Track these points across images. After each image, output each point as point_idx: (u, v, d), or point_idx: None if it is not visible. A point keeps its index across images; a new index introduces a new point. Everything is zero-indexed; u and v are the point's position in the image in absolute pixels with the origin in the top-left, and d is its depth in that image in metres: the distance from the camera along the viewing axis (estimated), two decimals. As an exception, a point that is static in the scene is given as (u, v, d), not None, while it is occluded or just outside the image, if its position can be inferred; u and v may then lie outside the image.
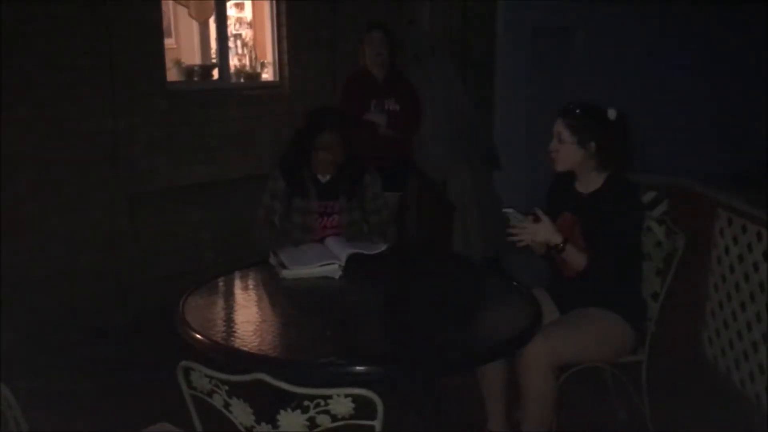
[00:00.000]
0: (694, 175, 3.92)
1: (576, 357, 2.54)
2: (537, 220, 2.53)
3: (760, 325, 3.13)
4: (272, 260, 2.76)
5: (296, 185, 3.07)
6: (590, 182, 2.62)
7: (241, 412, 1.58)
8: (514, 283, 2.62)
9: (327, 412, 1.49)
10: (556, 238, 2.49)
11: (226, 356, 2.03)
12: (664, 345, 2.85)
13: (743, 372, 3.28)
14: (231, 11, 5.29)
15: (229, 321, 2.37)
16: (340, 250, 2.72)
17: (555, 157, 2.61)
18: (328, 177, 3.10)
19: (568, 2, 6.82)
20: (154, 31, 4.38)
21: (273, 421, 1.54)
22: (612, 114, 2.55)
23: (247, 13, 5.48)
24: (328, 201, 3.08)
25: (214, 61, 5.10)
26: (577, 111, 2.56)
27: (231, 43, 5.25)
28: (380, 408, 1.49)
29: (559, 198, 2.73)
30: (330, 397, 1.48)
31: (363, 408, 1.49)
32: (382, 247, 2.88)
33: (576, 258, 2.50)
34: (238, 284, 2.74)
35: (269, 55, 5.15)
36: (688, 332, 3.74)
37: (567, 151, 2.57)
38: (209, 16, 4.90)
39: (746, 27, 8.23)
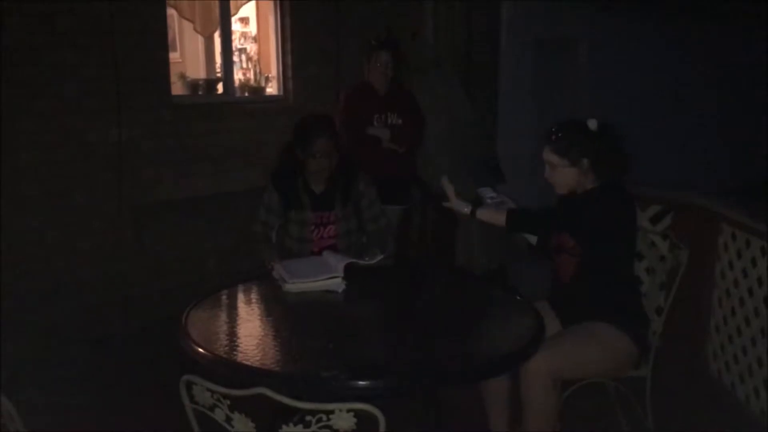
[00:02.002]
0: (697, 189, 3.92)
1: (578, 372, 2.53)
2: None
3: (764, 339, 3.12)
4: (275, 274, 2.76)
5: (291, 197, 3.08)
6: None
7: (242, 427, 1.57)
8: (518, 297, 2.62)
9: (329, 426, 1.49)
10: (463, 209, 2.59)
11: (228, 370, 2.03)
12: (668, 359, 2.84)
13: (748, 387, 3.26)
14: (236, 26, 5.33)
15: (232, 334, 2.36)
16: (337, 263, 2.72)
17: (552, 183, 2.61)
18: (322, 187, 3.11)
19: (571, 14, 6.86)
20: (159, 44, 4.41)
21: (275, 436, 1.54)
22: (593, 124, 2.53)
23: (252, 28, 5.52)
24: (324, 211, 3.09)
25: (218, 75, 5.13)
26: (559, 133, 2.55)
27: (236, 58, 5.28)
28: (382, 423, 1.49)
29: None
30: (332, 411, 1.48)
31: (365, 423, 1.49)
32: (379, 257, 2.87)
33: (492, 216, 2.56)
34: (241, 297, 2.74)
35: (273, 69, 5.18)
36: (693, 347, 3.72)
37: (562, 175, 2.56)
38: (214, 31, 4.93)
39: (750, 38, 8.26)
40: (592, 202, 2.53)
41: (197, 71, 5.32)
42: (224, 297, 2.66)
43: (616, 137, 2.57)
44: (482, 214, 2.58)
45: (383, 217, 3.26)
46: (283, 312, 2.61)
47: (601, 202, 2.53)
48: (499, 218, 2.55)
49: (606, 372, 2.64)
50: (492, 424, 2.71)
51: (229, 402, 1.56)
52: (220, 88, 4.99)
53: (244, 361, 2.05)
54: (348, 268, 2.66)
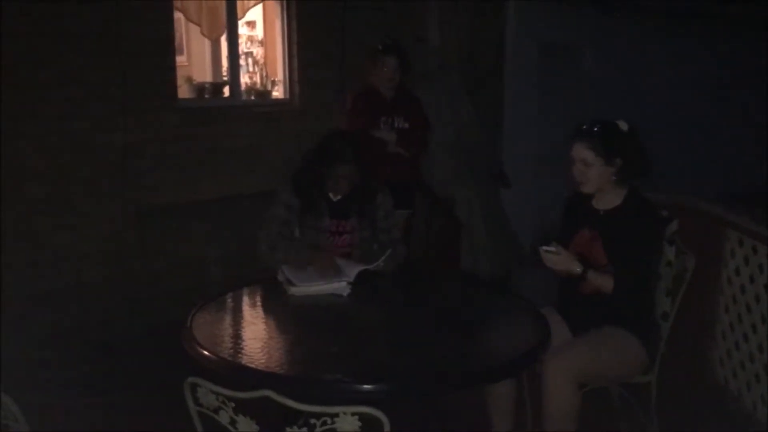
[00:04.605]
0: (697, 194, 3.91)
1: (597, 376, 2.53)
2: None
3: (771, 346, 3.10)
4: (280, 277, 2.76)
5: (309, 203, 3.04)
6: (609, 199, 2.61)
7: (247, 429, 1.57)
8: (522, 302, 2.61)
9: (333, 429, 1.49)
10: (576, 268, 2.49)
11: (233, 373, 2.03)
12: (674, 366, 2.82)
13: (755, 394, 3.24)
14: (242, 29, 5.34)
15: (237, 337, 2.36)
16: (350, 268, 2.71)
17: (583, 180, 2.59)
18: (339, 196, 3.09)
19: (576, 20, 6.86)
20: (165, 47, 4.42)
21: (279, 439, 1.53)
22: (624, 125, 2.56)
23: (259, 32, 5.53)
24: (340, 220, 3.05)
25: (225, 78, 5.14)
26: (595, 129, 2.55)
27: (242, 61, 5.29)
28: (387, 426, 1.48)
29: (574, 215, 2.73)
30: (336, 414, 1.48)
31: (369, 426, 1.48)
32: (387, 254, 2.86)
33: (600, 281, 2.50)
34: (246, 301, 2.74)
35: (280, 72, 5.19)
36: (699, 353, 3.70)
37: (596, 173, 2.55)
38: (221, 34, 4.95)
39: (752, 45, 8.26)
40: (633, 224, 2.53)
41: (204, 75, 5.33)
42: (229, 300, 2.67)
43: (641, 140, 2.59)
44: (593, 276, 2.52)
45: (397, 228, 3.23)
46: (287, 315, 2.61)
47: (641, 224, 2.53)
48: (607, 285, 2.51)
49: (619, 377, 2.64)
50: (496, 428, 2.70)
51: (233, 404, 1.56)
52: (226, 91, 5.00)
53: (249, 364, 2.05)
54: (359, 275, 2.66)
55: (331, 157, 2.97)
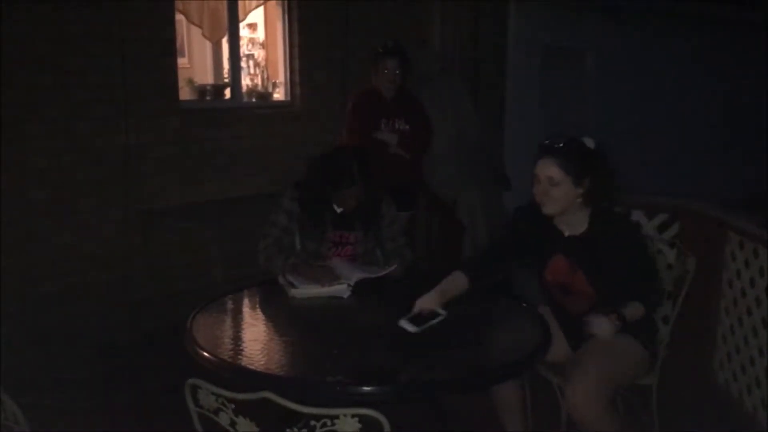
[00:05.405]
0: (698, 197, 3.91)
1: (618, 382, 2.50)
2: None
3: (772, 349, 3.09)
4: (281, 279, 2.76)
5: (311, 212, 2.96)
6: (576, 222, 2.46)
7: (247, 431, 1.57)
8: (523, 303, 2.61)
9: (334, 431, 1.49)
10: (615, 322, 2.36)
11: (233, 374, 2.03)
12: (674, 369, 2.82)
13: (755, 398, 3.24)
14: (244, 32, 5.35)
15: (237, 339, 2.37)
16: (350, 273, 2.71)
17: (545, 201, 2.39)
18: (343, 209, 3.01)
19: (578, 24, 6.87)
20: (167, 49, 4.44)
21: (279, 441, 1.53)
22: (590, 143, 2.38)
23: (260, 34, 5.54)
24: (344, 231, 2.98)
25: (226, 80, 5.15)
26: (561, 146, 2.35)
27: (243, 63, 5.30)
28: (387, 428, 1.49)
29: (542, 238, 2.56)
30: (337, 416, 1.48)
31: (370, 428, 1.48)
32: (392, 267, 2.85)
33: (636, 314, 2.40)
34: (246, 302, 2.74)
35: (281, 75, 5.20)
36: (700, 356, 3.70)
37: (562, 193, 2.36)
38: (222, 37, 4.96)
39: (753, 48, 8.27)
40: (618, 247, 2.41)
41: (205, 77, 5.34)
42: (230, 302, 2.67)
43: (608, 159, 2.43)
44: (630, 314, 2.38)
45: (402, 236, 3.14)
46: (288, 317, 2.61)
47: (625, 242, 2.44)
48: (641, 312, 2.44)
49: (631, 380, 2.62)
50: (506, 428, 2.67)
51: (233, 406, 1.56)
52: (227, 93, 5.01)
53: (249, 366, 2.05)
54: (360, 280, 2.65)
55: (340, 178, 2.86)
